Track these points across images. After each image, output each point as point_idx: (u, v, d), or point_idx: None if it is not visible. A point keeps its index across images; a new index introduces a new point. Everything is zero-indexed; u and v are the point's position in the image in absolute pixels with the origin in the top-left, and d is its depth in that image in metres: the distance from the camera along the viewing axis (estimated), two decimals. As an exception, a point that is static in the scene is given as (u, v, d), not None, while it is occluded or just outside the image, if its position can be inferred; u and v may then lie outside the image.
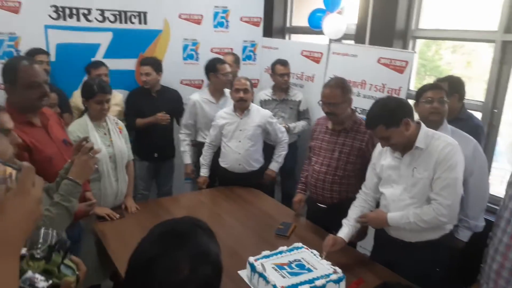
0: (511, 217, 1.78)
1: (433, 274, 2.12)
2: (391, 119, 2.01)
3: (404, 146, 2.08)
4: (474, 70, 3.43)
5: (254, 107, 3.35)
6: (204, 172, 3.45)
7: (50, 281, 0.98)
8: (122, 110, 3.66)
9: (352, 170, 2.58)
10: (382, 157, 2.23)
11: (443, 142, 2.02)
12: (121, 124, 2.86)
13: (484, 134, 2.93)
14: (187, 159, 3.67)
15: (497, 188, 2.98)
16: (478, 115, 3.15)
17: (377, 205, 2.34)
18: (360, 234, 2.46)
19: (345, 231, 2.26)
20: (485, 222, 2.45)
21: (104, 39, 3.69)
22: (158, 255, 0.87)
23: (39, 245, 0.98)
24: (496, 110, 3.14)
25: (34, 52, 3.28)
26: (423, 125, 2.09)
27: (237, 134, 3.28)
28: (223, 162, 3.37)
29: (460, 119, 2.66)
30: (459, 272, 2.35)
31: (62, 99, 3.39)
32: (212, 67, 3.52)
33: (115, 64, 3.64)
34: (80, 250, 2.48)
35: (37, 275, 0.95)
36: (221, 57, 3.83)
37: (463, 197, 2.38)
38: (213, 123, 3.40)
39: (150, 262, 0.87)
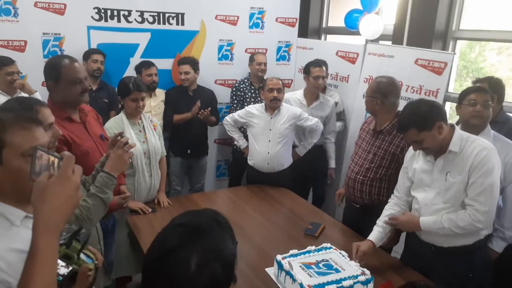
0: None
1: (466, 282, 2.04)
2: (423, 123, 1.96)
3: (437, 150, 2.03)
4: None
5: (284, 106, 3.35)
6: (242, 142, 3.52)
7: (71, 268, 1.04)
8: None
9: (384, 174, 2.54)
10: (415, 161, 2.18)
11: (478, 146, 1.95)
12: (156, 122, 2.94)
13: None
14: None
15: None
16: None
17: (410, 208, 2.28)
18: (393, 239, 2.40)
19: (375, 234, 2.22)
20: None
21: (142, 40, 3.81)
22: (173, 247, 0.89)
23: (63, 234, 1.04)
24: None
25: (91, 52, 3.51)
26: (457, 128, 2.03)
27: (266, 133, 3.29)
28: (251, 160, 3.40)
29: (498, 121, 2.56)
30: (492, 284, 2.25)
31: (112, 97, 3.55)
32: (306, 69, 3.63)
33: (152, 63, 3.74)
34: (114, 241, 2.58)
35: (58, 261, 1.00)
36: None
37: (499, 205, 2.29)
38: (244, 112, 3.39)
39: (166, 253, 0.89)
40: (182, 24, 3.91)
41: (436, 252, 2.11)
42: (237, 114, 3.43)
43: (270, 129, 3.28)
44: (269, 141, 3.28)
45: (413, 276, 2.07)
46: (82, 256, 1.08)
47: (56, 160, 0.93)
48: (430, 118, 1.96)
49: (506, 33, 3.24)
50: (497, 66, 3.70)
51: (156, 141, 2.83)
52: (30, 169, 0.93)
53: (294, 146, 3.50)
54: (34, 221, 0.86)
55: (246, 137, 3.53)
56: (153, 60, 3.72)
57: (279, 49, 4.43)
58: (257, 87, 4.01)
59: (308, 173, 3.70)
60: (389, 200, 2.35)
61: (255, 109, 3.37)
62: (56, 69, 2.07)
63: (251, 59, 4.03)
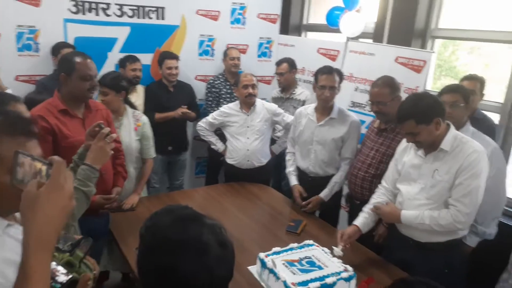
0: None
1: (443, 277, 2.07)
2: (423, 116, 1.96)
3: (429, 146, 2.05)
4: (492, 72, 3.36)
5: (259, 102, 3.33)
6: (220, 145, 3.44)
7: (70, 276, 0.99)
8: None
9: (385, 170, 2.49)
10: (406, 154, 2.20)
11: (470, 148, 1.97)
12: (143, 122, 2.85)
13: (498, 134, 2.91)
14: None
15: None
16: (496, 116, 3.11)
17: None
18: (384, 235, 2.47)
19: (360, 220, 2.25)
20: (496, 230, 2.39)
21: (121, 34, 3.72)
22: (186, 240, 0.91)
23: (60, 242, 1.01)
24: (515, 112, 3.07)
25: (61, 46, 3.35)
26: (452, 128, 2.04)
27: (244, 130, 3.27)
28: (230, 159, 3.36)
29: (476, 118, 2.63)
30: (468, 278, 2.30)
31: None
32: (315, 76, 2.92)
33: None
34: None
35: (59, 267, 0.97)
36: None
37: None
38: (218, 113, 3.35)
39: (180, 246, 0.90)
40: (162, 18, 3.84)
41: (414, 246, 2.14)
42: (211, 117, 3.38)
43: (248, 127, 3.27)
44: (248, 138, 3.28)
45: (395, 271, 2.09)
46: (83, 266, 1.06)
47: (44, 167, 0.84)
48: (431, 113, 1.97)
49: (482, 33, 3.31)
50: (469, 66, 3.79)
51: (131, 141, 2.75)
52: (11, 175, 0.85)
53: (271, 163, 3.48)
54: (25, 235, 0.79)
55: (221, 138, 3.50)
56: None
57: (260, 45, 4.42)
58: (232, 83, 3.98)
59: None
60: (376, 190, 2.38)
61: (229, 108, 3.34)
62: (71, 63, 2.15)
63: (225, 54, 4.02)
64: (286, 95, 3.90)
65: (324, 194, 2.80)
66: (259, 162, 3.32)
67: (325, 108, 2.82)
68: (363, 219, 2.25)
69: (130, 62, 3.54)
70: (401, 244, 2.20)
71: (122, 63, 3.58)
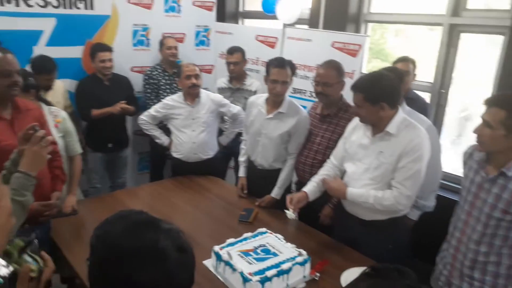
0: (467, 195, 1.86)
1: (390, 252, 2.16)
2: (371, 95, 2.01)
3: (375, 126, 2.10)
4: (417, 53, 3.54)
5: (204, 93, 3.25)
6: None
7: (10, 267, 0.90)
8: (65, 101, 3.45)
9: (329, 154, 2.54)
10: (355, 133, 2.25)
11: (414, 133, 2.03)
12: (62, 117, 2.65)
13: (430, 112, 3.10)
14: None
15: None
16: (426, 95, 3.30)
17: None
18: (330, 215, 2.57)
19: (309, 187, 2.34)
20: (435, 202, 2.55)
21: (47, 26, 3.44)
22: (140, 248, 0.85)
23: None
24: (443, 91, 3.29)
25: None
26: (400, 112, 2.08)
27: (189, 123, 3.18)
28: (176, 153, 3.26)
29: (410, 98, 2.77)
30: (411, 249, 2.44)
31: None
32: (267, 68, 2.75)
33: (60, 52, 3.40)
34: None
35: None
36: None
37: None
38: (161, 105, 3.23)
39: (131, 258, 0.84)
40: (91, 8, 3.61)
41: (359, 224, 2.22)
42: (153, 110, 3.25)
43: (193, 119, 3.17)
44: (194, 131, 3.18)
45: (347, 251, 2.17)
46: (26, 256, 0.96)
47: None
48: (380, 96, 2.00)
49: (410, 16, 3.48)
50: (396, 48, 3.99)
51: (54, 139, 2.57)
52: None
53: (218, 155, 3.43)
54: None
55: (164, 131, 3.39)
56: (61, 48, 3.40)
57: (197, 33, 4.31)
58: (171, 73, 3.87)
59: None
60: (324, 164, 2.44)
61: (172, 100, 3.22)
62: None
63: (161, 44, 3.88)
64: (236, 85, 3.79)
65: (275, 193, 2.77)
66: (206, 154, 3.26)
67: (275, 102, 2.75)
68: (311, 187, 2.33)
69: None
70: (348, 222, 2.28)
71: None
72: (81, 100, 3.48)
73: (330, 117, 2.63)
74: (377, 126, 2.10)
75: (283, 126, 2.72)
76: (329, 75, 2.53)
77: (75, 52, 3.63)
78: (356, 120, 2.26)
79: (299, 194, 2.33)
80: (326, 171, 2.40)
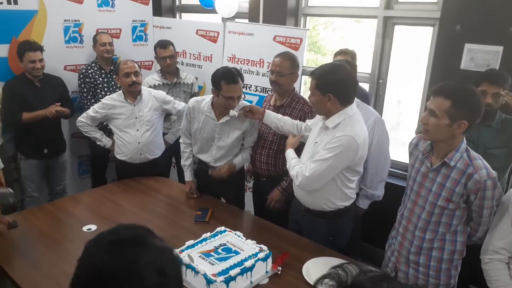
0: (413, 185, 1.95)
1: (331, 243, 2.23)
2: (322, 85, 2.03)
3: (321, 114, 2.16)
4: (346, 45, 3.67)
5: (146, 90, 3.13)
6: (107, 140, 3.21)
7: None
8: None
9: (284, 144, 2.52)
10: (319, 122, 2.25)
11: (343, 131, 2.02)
12: None
13: (370, 102, 3.24)
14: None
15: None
16: (365, 85, 3.44)
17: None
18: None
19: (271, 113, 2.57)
20: (383, 191, 2.67)
21: (-36, 22, 3.13)
22: (118, 266, 0.78)
23: None
24: (381, 80, 3.45)
25: None
26: (348, 109, 2.07)
27: (132, 122, 3.04)
28: (120, 155, 3.10)
29: None
30: (364, 237, 2.55)
31: None
32: (216, 83, 2.53)
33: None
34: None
35: None
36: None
37: (364, 167, 2.57)
38: (100, 105, 3.05)
39: (109, 276, 0.78)
40: (15, 3, 3.32)
41: (306, 212, 2.28)
42: (92, 111, 3.05)
43: (136, 118, 3.03)
44: (137, 130, 3.04)
45: (305, 243, 2.21)
46: None
47: None
48: (329, 87, 2.02)
49: (346, 9, 3.59)
50: (327, 40, 4.12)
51: None
52: None
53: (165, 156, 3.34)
54: None
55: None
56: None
57: (134, 28, 4.13)
58: (108, 71, 3.68)
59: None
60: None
61: (112, 99, 3.04)
62: None
63: (94, 40, 3.67)
64: (171, 80, 3.65)
65: (237, 161, 2.71)
66: (153, 154, 3.14)
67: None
68: (273, 113, 2.53)
69: None
70: (298, 210, 2.35)
71: None
72: (9, 104, 3.18)
73: (284, 107, 2.65)
74: (326, 117, 2.12)
75: (238, 127, 2.65)
76: (283, 66, 2.58)
77: (0, 51, 3.33)
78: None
79: (257, 107, 2.58)
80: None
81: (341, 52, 3.07)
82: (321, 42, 4.19)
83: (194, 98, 2.80)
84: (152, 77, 3.69)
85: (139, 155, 3.09)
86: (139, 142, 3.06)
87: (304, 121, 2.52)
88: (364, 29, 3.47)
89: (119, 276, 0.78)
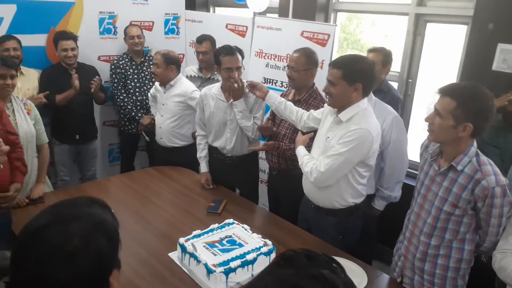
0: (421, 188, 1.89)
1: (340, 241, 2.21)
2: (351, 74, 1.99)
3: (338, 106, 2.10)
4: (391, 42, 3.58)
5: (179, 81, 3.22)
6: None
7: None
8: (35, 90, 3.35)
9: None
10: (329, 115, 2.23)
11: (358, 124, 2.00)
12: (30, 105, 2.63)
13: (401, 105, 3.10)
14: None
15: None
16: (394, 85, 3.33)
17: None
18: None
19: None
20: (400, 193, 2.59)
21: (6, 12, 3.31)
22: (48, 224, 0.83)
23: None
24: (411, 80, 3.34)
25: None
26: (362, 103, 2.06)
27: (160, 107, 3.30)
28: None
29: (382, 90, 2.77)
30: (380, 238, 2.49)
31: None
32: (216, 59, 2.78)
33: (22, 40, 3.28)
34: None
35: None
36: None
37: (381, 167, 2.51)
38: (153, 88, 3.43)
39: (40, 231, 0.83)
40: (54, -6, 3.50)
41: (315, 210, 2.26)
42: (151, 89, 3.46)
43: (163, 104, 3.25)
44: (162, 116, 3.27)
45: (314, 242, 2.19)
46: None
47: None
48: (357, 77, 1.99)
49: (377, 6, 3.50)
50: (371, 38, 4.01)
51: (30, 127, 2.54)
52: None
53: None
54: None
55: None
56: (23, 36, 3.27)
57: (166, 22, 4.23)
58: (138, 62, 3.79)
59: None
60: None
61: (156, 84, 3.35)
62: None
63: (125, 33, 3.78)
64: (206, 75, 3.69)
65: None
66: (172, 142, 3.28)
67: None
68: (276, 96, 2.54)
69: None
70: (306, 207, 2.33)
71: None
72: (45, 90, 3.35)
73: (300, 102, 2.63)
74: (339, 111, 2.09)
75: (247, 104, 2.77)
76: (298, 61, 2.56)
77: (39, 40, 3.52)
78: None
79: (262, 84, 2.61)
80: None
81: (372, 50, 2.95)
82: (363, 40, 4.09)
83: (206, 87, 2.95)
84: (191, 68, 3.81)
85: (160, 138, 3.31)
86: (160, 127, 3.27)
87: None
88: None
89: (47, 233, 0.82)
